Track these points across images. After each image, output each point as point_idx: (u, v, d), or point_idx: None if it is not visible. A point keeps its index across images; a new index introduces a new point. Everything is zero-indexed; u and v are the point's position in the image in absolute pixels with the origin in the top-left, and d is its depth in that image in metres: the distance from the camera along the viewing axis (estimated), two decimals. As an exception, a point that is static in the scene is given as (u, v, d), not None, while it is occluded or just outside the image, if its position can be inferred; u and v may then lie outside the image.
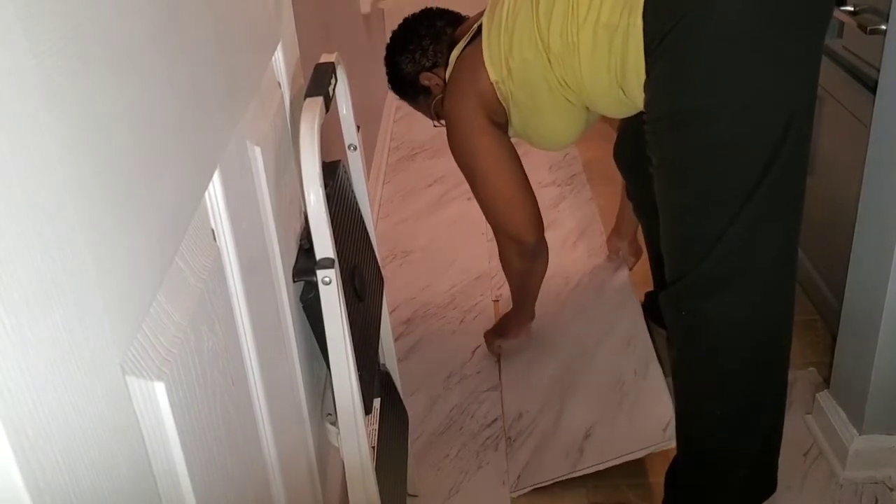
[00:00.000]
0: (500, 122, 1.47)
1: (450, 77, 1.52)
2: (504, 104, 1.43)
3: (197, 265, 0.65)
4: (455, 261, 2.25)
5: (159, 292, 0.57)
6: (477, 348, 1.92)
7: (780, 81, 1.10)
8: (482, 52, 1.40)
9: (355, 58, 2.43)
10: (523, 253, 1.59)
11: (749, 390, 1.27)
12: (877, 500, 1.45)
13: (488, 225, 1.65)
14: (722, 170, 1.14)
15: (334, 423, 1.06)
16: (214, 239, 0.72)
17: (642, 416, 1.54)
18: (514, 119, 1.46)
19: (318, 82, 0.98)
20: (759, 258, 1.17)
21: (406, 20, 1.65)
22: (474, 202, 1.60)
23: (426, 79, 1.58)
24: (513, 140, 1.53)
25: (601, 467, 1.49)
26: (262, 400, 0.83)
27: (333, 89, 1.03)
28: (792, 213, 1.18)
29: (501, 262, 1.67)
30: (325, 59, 1.06)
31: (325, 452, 1.16)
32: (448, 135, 1.52)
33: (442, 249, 2.32)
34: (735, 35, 1.08)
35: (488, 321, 1.99)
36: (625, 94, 1.24)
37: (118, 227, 0.50)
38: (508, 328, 1.84)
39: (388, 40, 1.66)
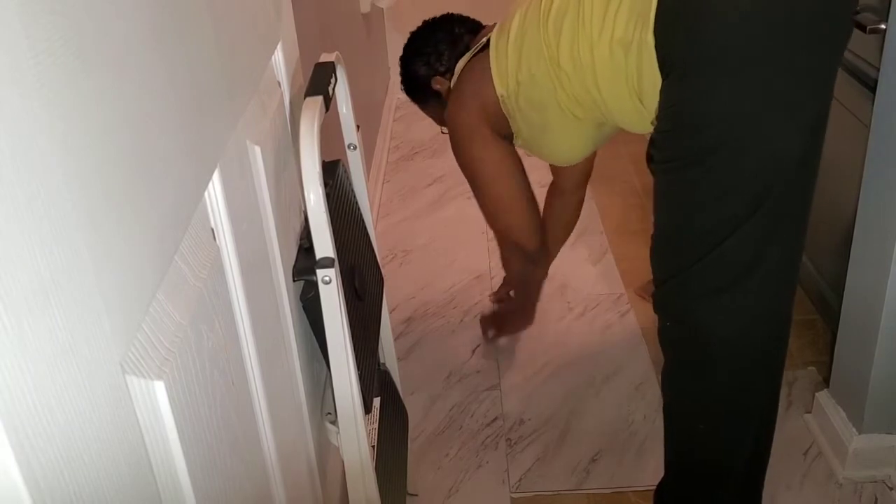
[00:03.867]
0: (503, 133, 1.48)
1: (454, 86, 1.53)
2: (508, 117, 1.43)
3: (197, 264, 0.65)
4: (455, 260, 2.25)
5: (159, 291, 0.57)
6: (477, 347, 1.92)
7: (791, 89, 1.07)
8: (489, 65, 1.40)
9: (355, 57, 2.43)
10: (525, 259, 1.62)
11: (737, 407, 1.23)
12: (876, 500, 1.45)
13: (488, 224, 1.68)
14: (731, 174, 1.10)
15: (334, 423, 1.06)
16: (214, 238, 0.72)
17: (652, 456, 1.58)
18: (521, 132, 1.45)
19: (318, 82, 0.98)
20: (762, 265, 1.12)
21: (426, 22, 1.65)
22: (474, 201, 1.62)
23: (437, 83, 1.59)
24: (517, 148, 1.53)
25: (607, 491, 1.52)
26: (262, 399, 0.83)
27: (333, 89, 1.03)
28: (800, 223, 1.15)
29: (503, 265, 1.71)
30: (324, 58, 1.06)
31: (325, 452, 1.16)
32: (451, 142, 1.54)
33: (442, 249, 2.32)
34: (736, 46, 1.05)
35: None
36: (644, 107, 1.21)
37: (118, 227, 0.50)
38: (506, 325, 1.90)
39: (406, 40, 1.66)
